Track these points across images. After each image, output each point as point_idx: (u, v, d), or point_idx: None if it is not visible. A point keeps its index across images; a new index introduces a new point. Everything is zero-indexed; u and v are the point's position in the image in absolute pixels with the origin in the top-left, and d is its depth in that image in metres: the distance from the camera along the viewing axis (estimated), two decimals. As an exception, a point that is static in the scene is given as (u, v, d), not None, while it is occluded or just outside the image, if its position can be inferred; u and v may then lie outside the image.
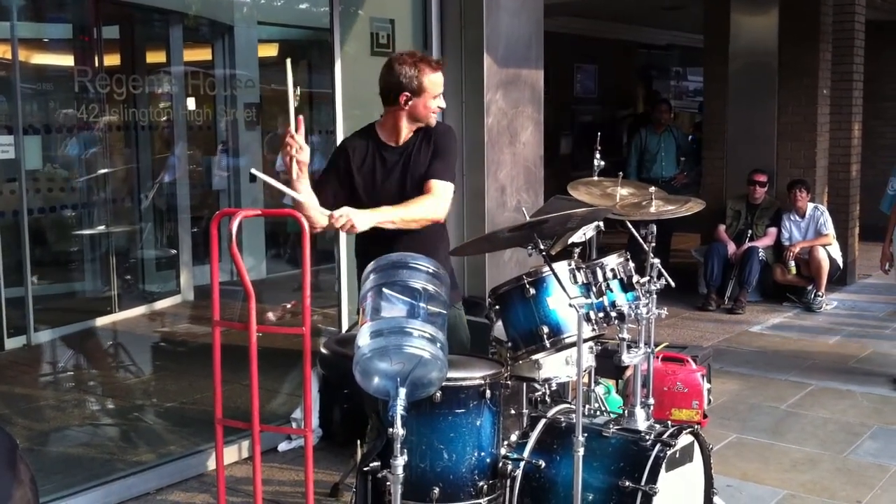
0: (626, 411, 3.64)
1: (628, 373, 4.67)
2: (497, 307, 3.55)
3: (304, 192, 3.55)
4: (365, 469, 3.18)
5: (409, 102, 3.68)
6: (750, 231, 8.97)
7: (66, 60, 7.83)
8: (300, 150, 3.51)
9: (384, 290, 3.00)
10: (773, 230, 8.94)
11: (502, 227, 3.69)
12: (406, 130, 3.77)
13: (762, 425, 5.54)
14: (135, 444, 5.43)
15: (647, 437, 3.35)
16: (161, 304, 8.05)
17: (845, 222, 9.85)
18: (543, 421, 3.51)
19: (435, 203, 3.67)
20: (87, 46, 7.69)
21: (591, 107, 15.11)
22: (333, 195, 3.70)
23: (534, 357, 3.49)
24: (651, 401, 3.84)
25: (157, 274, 8.30)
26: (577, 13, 13.01)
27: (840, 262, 8.99)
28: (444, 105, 3.78)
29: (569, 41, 13.57)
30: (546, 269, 3.40)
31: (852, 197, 10.11)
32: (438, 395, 3.09)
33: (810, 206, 8.88)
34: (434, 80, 3.69)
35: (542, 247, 3.34)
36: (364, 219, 3.46)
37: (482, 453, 3.22)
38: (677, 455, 3.36)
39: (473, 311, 4.89)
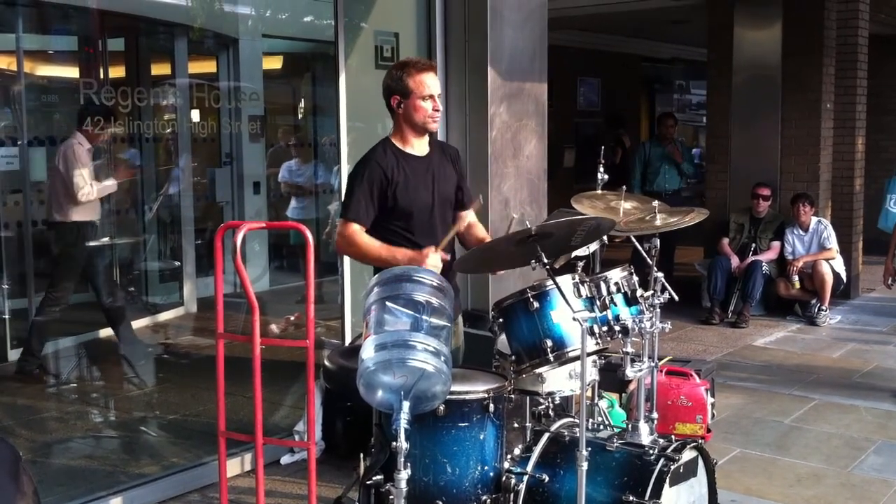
0: (629, 425, 3.63)
1: (632, 387, 4.65)
2: (501, 320, 3.55)
3: None
4: (368, 482, 3.17)
5: (402, 106, 3.72)
6: (753, 245, 8.97)
7: (72, 72, 7.85)
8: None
9: (388, 303, 3.01)
10: (776, 244, 8.93)
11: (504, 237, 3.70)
12: (414, 138, 3.79)
13: (766, 440, 5.53)
14: (137, 456, 5.42)
15: (651, 451, 3.35)
16: (164, 316, 8.04)
17: (849, 236, 9.84)
18: (547, 435, 3.50)
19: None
20: (92, 58, 7.71)
21: (595, 120, 15.14)
22: (368, 210, 3.71)
23: (537, 371, 3.49)
24: (655, 415, 3.83)
25: (160, 285, 8.30)
26: (582, 27, 13.04)
27: (843, 276, 8.98)
28: (440, 108, 3.77)
29: (572, 54, 13.62)
30: (550, 282, 3.40)
31: (856, 211, 10.11)
32: (442, 408, 3.08)
33: (814, 219, 8.88)
34: (420, 80, 3.70)
35: (545, 260, 3.34)
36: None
37: (485, 467, 3.21)
38: (681, 470, 3.35)
39: (477, 324, 4.89)
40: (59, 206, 6.35)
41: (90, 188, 6.30)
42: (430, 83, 3.73)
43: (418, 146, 3.82)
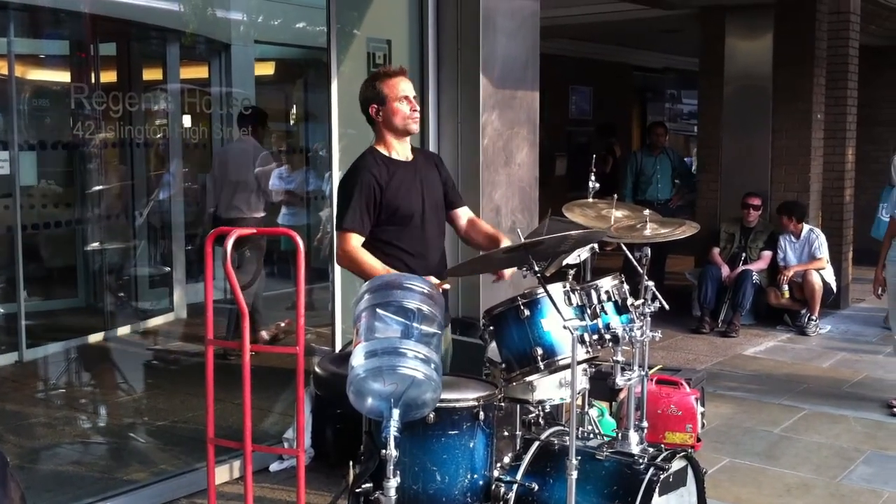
0: (619, 434, 3.63)
1: (622, 395, 4.66)
2: (491, 328, 3.55)
3: None
4: (357, 490, 3.16)
5: (380, 113, 3.79)
6: (744, 254, 8.99)
7: (63, 77, 7.83)
8: None
9: (378, 310, 3.00)
10: (767, 253, 8.95)
11: (497, 249, 3.71)
12: (397, 144, 3.83)
13: (756, 449, 5.53)
14: (126, 463, 5.40)
15: (641, 460, 3.34)
16: (154, 322, 8.02)
17: (839, 246, 9.86)
18: (537, 443, 3.50)
19: None
20: (84, 63, 7.69)
21: (587, 128, 15.16)
22: (364, 219, 3.75)
23: (527, 379, 3.49)
24: (645, 424, 3.84)
25: (150, 291, 8.27)
26: (574, 36, 13.06)
27: (834, 285, 9.00)
28: (417, 108, 3.83)
29: (565, 63, 13.64)
30: (540, 290, 3.40)
31: (846, 221, 10.14)
32: (432, 416, 3.08)
33: (805, 227, 8.90)
34: (393, 84, 3.79)
35: (536, 268, 3.34)
36: None
37: (475, 475, 3.21)
38: (671, 479, 3.35)
39: (468, 331, 4.89)
40: (248, 202, 7.00)
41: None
42: (403, 86, 3.81)
43: (402, 151, 3.87)
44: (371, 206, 3.73)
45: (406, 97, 3.79)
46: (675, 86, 18.19)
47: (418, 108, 3.85)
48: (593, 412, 4.65)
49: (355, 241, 3.72)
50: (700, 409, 5.28)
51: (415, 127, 3.85)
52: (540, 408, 3.69)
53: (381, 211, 3.75)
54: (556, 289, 3.44)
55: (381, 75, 3.84)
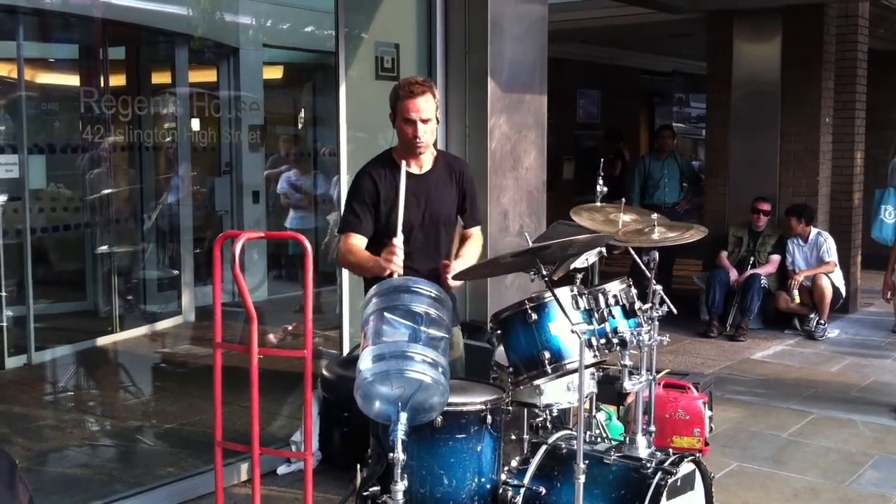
0: (627, 438, 3.62)
1: (630, 399, 4.65)
2: (499, 332, 3.55)
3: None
4: (365, 494, 3.17)
5: (394, 124, 3.77)
6: (752, 258, 8.97)
7: (72, 80, 7.86)
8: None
9: (386, 314, 3.01)
10: (775, 258, 8.93)
11: (505, 253, 3.71)
12: (410, 153, 3.78)
13: (764, 454, 5.52)
14: (134, 466, 5.41)
15: (649, 464, 3.34)
16: (162, 325, 8.04)
17: (847, 250, 9.84)
18: (544, 447, 3.50)
19: (480, 247, 4.04)
20: (93, 67, 7.72)
21: (594, 132, 15.15)
22: (365, 219, 3.77)
23: (535, 382, 3.48)
24: (652, 428, 3.83)
25: (158, 294, 8.30)
26: (582, 39, 13.07)
27: (843, 289, 8.98)
28: (419, 135, 3.66)
29: (572, 66, 13.64)
30: (548, 294, 3.40)
31: (854, 225, 10.11)
32: (439, 419, 3.08)
33: (813, 231, 8.89)
34: (403, 105, 3.68)
35: (544, 272, 3.34)
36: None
37: (482, 479, 3.21)
38: (678, 483, 3.35)
39: (475, 335, 4.89)
40: None
41: None
42: (411, 108, 3.66)
43: (420, 162, 3.81)
44: (370, 206, 3.73)
45: (410, 120, 3.65)
46: (683, 89, 18.16)
47: (424, 133, 3.67)
48: (601, 416, 4.65)
49: (350, 240, 3.75)
50: (708, 413, 5.27)
51: (418, 151, 3.72)
52: (547, 412, 3.69)
53: (380, 216, 3.74)
54: (564, 293, 3.44)
55: (398, 89, 3.72)
